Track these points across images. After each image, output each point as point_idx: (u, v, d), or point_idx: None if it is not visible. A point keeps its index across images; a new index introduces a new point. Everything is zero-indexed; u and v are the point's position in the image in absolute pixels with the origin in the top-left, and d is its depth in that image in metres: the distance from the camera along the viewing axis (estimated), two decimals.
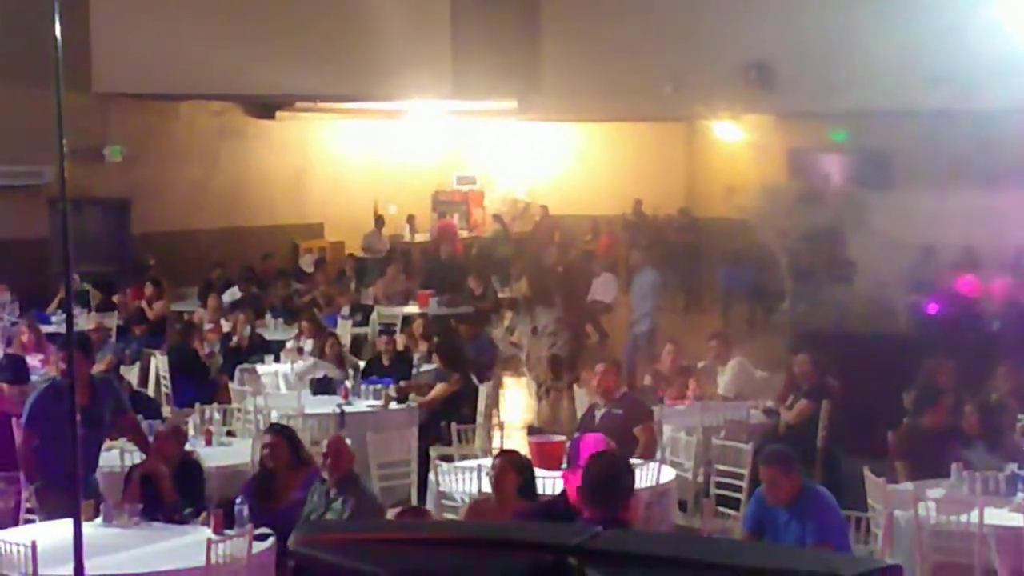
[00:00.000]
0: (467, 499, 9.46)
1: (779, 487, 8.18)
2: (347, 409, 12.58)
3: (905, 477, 10.09)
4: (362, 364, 14.74)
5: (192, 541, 8.50)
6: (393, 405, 12.85)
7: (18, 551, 8.03)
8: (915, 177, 21.85)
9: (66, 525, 8.35)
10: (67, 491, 8.86)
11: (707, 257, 24.55)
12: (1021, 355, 12.62)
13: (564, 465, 9.75)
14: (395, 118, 25.49)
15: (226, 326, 16.51)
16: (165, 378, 14.62)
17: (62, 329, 16.58)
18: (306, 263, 23.40)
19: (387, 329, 15.88)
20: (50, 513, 9.15)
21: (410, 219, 26.10)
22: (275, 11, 19.98)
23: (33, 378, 13.37)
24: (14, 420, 10.81)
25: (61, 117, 5.67)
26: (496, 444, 12.15)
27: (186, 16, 19.87)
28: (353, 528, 5.56)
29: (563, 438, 10.84)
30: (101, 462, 10.09)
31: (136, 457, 9.93)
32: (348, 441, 9.24)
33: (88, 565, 6.09)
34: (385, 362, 14.25)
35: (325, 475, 8.80)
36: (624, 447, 10.12)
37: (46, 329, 16.23)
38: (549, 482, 9.34)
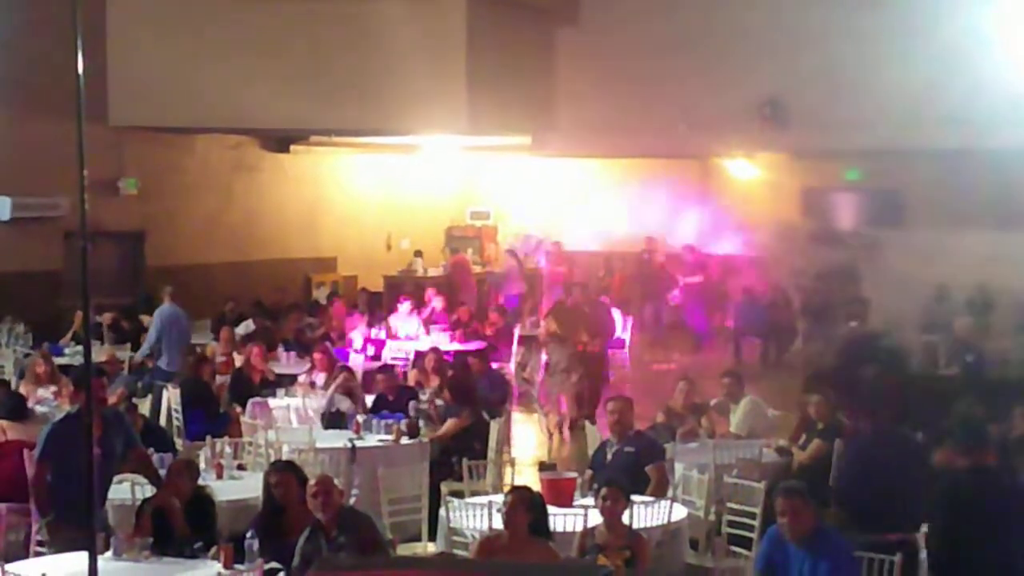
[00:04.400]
0: (478, 535, 9.42)
1: (800, 519, 8.14)
2: (358, 444, 12.56)
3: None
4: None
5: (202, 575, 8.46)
6: (404, 440, 12.82)
7: None
8: (929, 216, 21.86)
9: (76, 558, 8.37)
10: (79, 524, 8.89)
11: (719, 295, 24.51)
12: None
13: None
14: (409, 153, 25.57)
15: (238, 359, 16.51)
16: (177, 411, 14.61)
17: (75, 361, 16.65)
18: (319, 297, 23.41)
19: (384, 368, 15.84)
20: (62, 546, 9.14)
21: (418, 254, 26.09)
22: (290, 46, 20.06)
23: (44, 410, 13.41)
24: (25, 452, 10.83)
25: (83, 152, 5.69)
26: (508, 480, 12.11)
27: (202, 50, 19.96)
28: (373, 564, 5.52)
29: (575, 475, 10.81)
30: (113, 495, 10.09)
31: (148, 491, 9.92)
32: (337, 481, 9.20)
33: None
34: (390, 399, 14.22)
35: (318, 515, 8.73)
36: (635, 485, 10.10)
37: (59, 361, 16.25)
38: (560, 519, 9.32)
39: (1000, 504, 8.25)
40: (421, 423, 13.18)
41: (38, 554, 9.82)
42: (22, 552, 10.22)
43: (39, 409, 13.44)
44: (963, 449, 8.52)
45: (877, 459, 9.34)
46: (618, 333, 21.34)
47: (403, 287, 24.92)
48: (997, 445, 10.74)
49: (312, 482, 8.95)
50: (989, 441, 8.80)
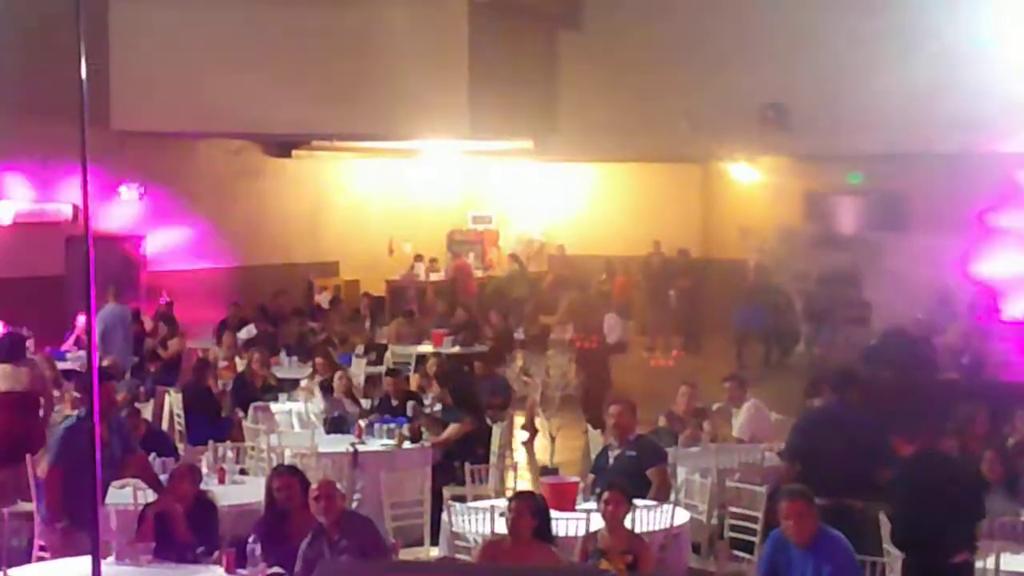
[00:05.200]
0: (480, 540, 9.42)
1: (805, 522, 8.14)
2: (361, 448, 12.56)
3: None
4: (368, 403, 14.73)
5: None
6: (407, 444, 12.82)
7: None
8: (931, 220, 21.83)
9: (79, 563, 8.38)
10: (83, 529, 8.93)
11: (721, 298, 24.51)
12: None
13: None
14: (411, 157, 25.56)
15: (240, 364, 16.50)
16: (179, 415, 14.61)
17: (76, 366, 16.65)
18: (321, 301, 23.41)
19: (394, 370, 15.83)
20: (66, 551, 9.16)
21: (418, 258, 26.08)
22: (293, 51, 20.06)
23: None
24: (28, 457, 10.85)
25: (86, 157, 5.68)
26: (510, 484, 12.11)
27: (204, 55, 19.96)
28: (375, 568, 5.52)
29: (576, 479, 10.81)
30: (116, 500, 10.10)
31: (150, 495, 9.92)
32: (340, 486, 9.22)
33: None
34: (394, 403, 14.20)
35: (320, 518, 8.74)
36: (637, 489, 10.09)
37: (61, 366, 16.24)
38: (563, 523, 9.31)
39: (942, 482, 9.33)
40: (423, 429, 13.17)
41: (40, 559, 9.82)
42: (25, 558, 10.21)
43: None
44: (910, 437, 9.90)
45: (817, 429, 10.54)
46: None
47: (405, 291, 24.94)
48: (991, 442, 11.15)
49: (314, 486, 8.96)
50: (932, 429, 10.15)
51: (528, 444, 17.21)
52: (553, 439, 16.87)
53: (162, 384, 15.95)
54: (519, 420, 17.16)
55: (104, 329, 16.98)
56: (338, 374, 14.81)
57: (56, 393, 14.48)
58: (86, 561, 6.12)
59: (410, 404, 13.91)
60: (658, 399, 14.76)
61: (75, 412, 11.36)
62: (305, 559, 8.59)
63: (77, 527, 9.24)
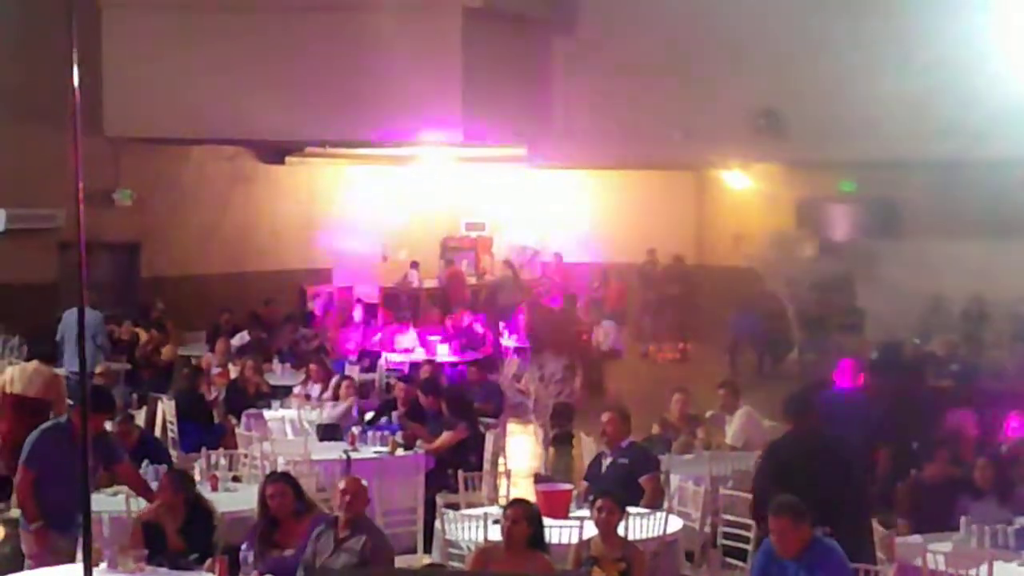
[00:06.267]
0: (473, 547, 9.41)
1: (789, 538, 8.11)
2: (353, 455, 12.55)
3: (908, 530, 10.04)
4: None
5: None
6: (400, 452, 12.81)
7: None
8: (925, 227, 21.86)
9: (71, 570, 8.37)
10: (62, 533, 8.95)
11: (713, 305, 24.52)
12: None
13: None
14: (405, 164, 25.56)
15: (233, 371, 16.49)
16: (172, 422, 14.59)
17: (68, 373, 16.59)
18: (315, 308, 23.38)
19: (405, 377, 15.77)
20: (44, 556, 9.16)
21: (414, 265, 26.07)
22: (286, 57, 20.06)
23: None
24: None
25: (80, 164, 5.67)
26: (503, 492, 12.10)
27: (197, 61, 19.95)
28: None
29: (570, 486, 10.79)
30: (107, 507, 10.08)
31: (143, 503, 9.91)
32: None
33: None
34: (400, 409, 14.15)
35: (340, 513, 8.83)
36: (630, 497, 10.08)
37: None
38: (556, 531, 9.30)
39: (816, 463, 9.29)
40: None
41: (30, 567, 9.78)
42: (17, 565, 10.18)
43: None
44: (789, 418, 9.80)
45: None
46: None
47: (399, 298, 24.92)
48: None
49: (342, 483, 9.08)
50: (809, 410, 9.80)
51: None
52: (546, 446, 16.88)
53: (155, 391, 15.92)
54: (511, 427, 17.14)
55: (64, 332, 16.89)
56: (345, 382, 14.79)
57: None
58: (78, 569, 6.10)
59: (396, 414, 13.89)
60: (653, 405, 14.74)
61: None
62: (312, 551, 8.68)
63: (51, 529, 9.25)
